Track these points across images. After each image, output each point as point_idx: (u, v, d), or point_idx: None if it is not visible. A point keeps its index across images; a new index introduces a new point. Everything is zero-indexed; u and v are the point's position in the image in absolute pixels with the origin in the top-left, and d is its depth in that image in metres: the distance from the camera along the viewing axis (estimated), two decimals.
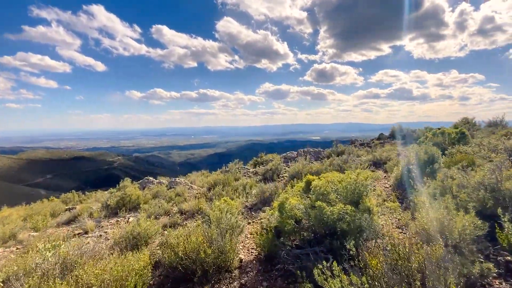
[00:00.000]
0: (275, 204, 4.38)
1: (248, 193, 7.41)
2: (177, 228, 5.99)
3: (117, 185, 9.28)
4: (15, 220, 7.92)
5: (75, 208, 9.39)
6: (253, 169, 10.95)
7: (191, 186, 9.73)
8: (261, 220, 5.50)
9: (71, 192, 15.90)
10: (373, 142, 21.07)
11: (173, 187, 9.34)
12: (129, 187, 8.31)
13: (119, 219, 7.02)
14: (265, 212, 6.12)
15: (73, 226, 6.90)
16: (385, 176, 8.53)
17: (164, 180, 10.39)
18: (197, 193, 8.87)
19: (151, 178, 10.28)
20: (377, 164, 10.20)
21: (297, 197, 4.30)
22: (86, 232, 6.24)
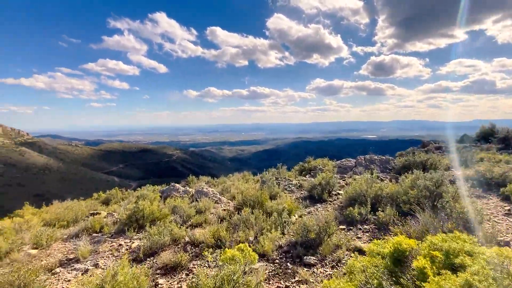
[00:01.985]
0: None
1: (285, 222, 5.23)
2: (178, 272, 4.23)
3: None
4: (34, 225, 7.38)
5: (99, 213, 8.65)
6: (297, 180, 8.65)
7: (219, 199, 8.01)
8: None
9: (115, 188, 16.14)
10: (455, 146, 16.37)
11: (198, 199, 7.75)
12: (145, 199, 6.97)
13: (122, 242, 5.66)
14: (309, 264, 3.88)
15: (75, 244, 5.80)
16: (509, 210, 5.31)
17: (191, 188, 8.92)
18: (223, 210, 7.08)
19: (177, 185, 8.93)
20: (486, 184, 6.82)
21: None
22: (78, 260, 4.99)
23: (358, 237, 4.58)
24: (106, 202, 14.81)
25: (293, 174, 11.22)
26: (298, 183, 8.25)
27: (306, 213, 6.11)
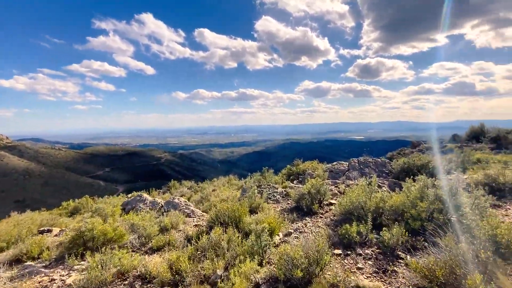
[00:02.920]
0: None
1: (265, 246, 4.10)
2: None
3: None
4: None
5: (51, 230, 7.27)
6: (283, 188, 7.55)
7: (193, 211, 6.81)
8: None
9: (85, 197, 14.57)
10: (446, 146, 15.86)
11: (167, 211, 6.53)
12: (98, 215, 5.69)
13: (57, 276, 4.37)
14: None
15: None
16: None
17: (160, 199, 7.67)
18: (194, 226, 5.90)
19: (144, 195, 7.66)
20: (497, 190, 5.95)
21: None
22: None
23: (358, 268, 3.51)
24: (75, 213, 13.21)
25: (280, 178, 10.15)
26: (284, 191, 7.15)
27: (292, 231, 5.01)
